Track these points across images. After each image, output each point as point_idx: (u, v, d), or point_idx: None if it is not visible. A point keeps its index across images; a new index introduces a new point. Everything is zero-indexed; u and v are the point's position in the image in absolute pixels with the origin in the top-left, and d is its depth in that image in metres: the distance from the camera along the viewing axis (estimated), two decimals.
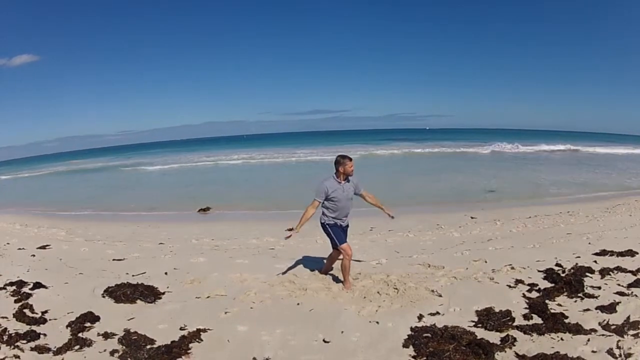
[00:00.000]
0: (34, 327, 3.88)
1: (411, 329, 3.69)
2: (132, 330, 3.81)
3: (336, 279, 5.09)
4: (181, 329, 3.89)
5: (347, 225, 4.88)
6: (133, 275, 5.51)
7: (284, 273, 5.38)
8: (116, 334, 3.76)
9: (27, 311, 4.24)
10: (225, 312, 4.24)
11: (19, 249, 7.52)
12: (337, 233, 4.76)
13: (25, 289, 4.87)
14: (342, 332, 3.76)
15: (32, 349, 3.50)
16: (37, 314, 4.21)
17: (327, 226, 4.78)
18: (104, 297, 4.68)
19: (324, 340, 3.63)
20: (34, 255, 6.91)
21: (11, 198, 19.71)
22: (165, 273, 5.62)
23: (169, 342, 3.60)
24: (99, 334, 3.77)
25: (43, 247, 7.65)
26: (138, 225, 10.95)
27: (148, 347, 3.56)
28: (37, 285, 4.98)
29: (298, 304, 4.41)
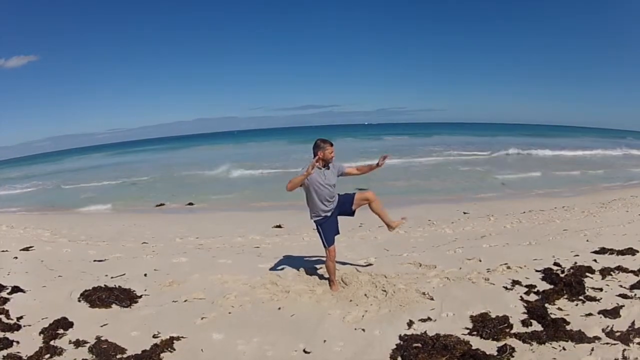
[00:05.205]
0: (7, 334, 3.63)
1: (400, 337, 3.39)
2: (103, 338, 3.55)
3: (321, 280, 4.80)
4: (154, 336, 3.62)
5: (335, 212, 4.54)
6: (112, 278, 5.21)
7: (267, 274, 5.08)
8: (87, 342, 3.50)
9: (2, 317, 3.97)
10: (202, 318, 3.94)
11: (3, 251, 7.15)
12: (327, 231, 4.46)
13: (4, 294, 4.58)
14: (325, 341, 3.46)
15: (4, 358, 3.27)
16: (12, 320, 3.94)
17: (317, 225, 4.50)
18: (79, 301, 4.39)
19: (304, 351, 3.33)
20: (16, 258, 6.56)
21: None
22: (145, 275, 5.31)
23: (140, 352, 3.35)
24: (70, 342, 3.52)
25: (26, 249, 7.31)
26: (124, 224, 10.72)
27: (118, 356, 3.32)
28: (15, 290, 4.69)
29: (279, 308, 4.11)
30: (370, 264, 5.46)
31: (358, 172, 4.68)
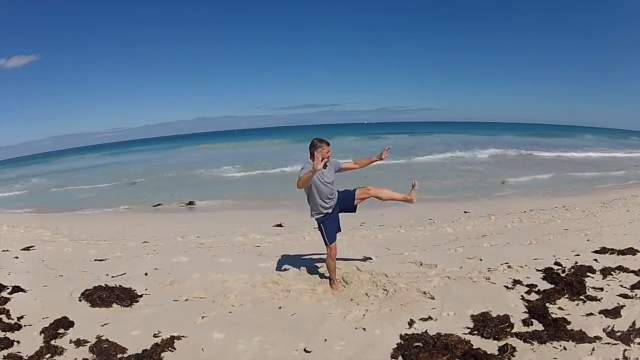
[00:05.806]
0: (8, 334, 3.63)
1: (401, 336, 3.39)
2: (104, 338, 3.55)
3: (322, 279, 4.79)
4: (155, 335, 3.62)
5: (336, 208, 4.53)
6: (112, 277, 5.21)
7: (267, 273, 5.08)
8: (88, 341, 3.51)
9: (3, 317, 3.97)
10: (203, 317, 3.94)
11: (4, 251, 7.15)
12: (328, 229, 4.46)
13: (4, 294, 4.58)
14: (326, 340, 3.45)
15: (4, 358, 3.26)
16: (12, 319, 3.94)
17: (319, 223, 4.50)
18: (80, 300, 4.39)
19: (305, 350, 3.33)
20: (17, 257, 6.57)
21: None
22: (145, 274, 5.31)
23: (140, 351, 3.35)
24: (71, 341, 3.52)
25: (27, 249, 7.30)
26: (124, 223, 10.68)
27: (119, 356, 3.33)
28: (16, 289, 4.69)
29: (280, 307, 4.11)
30: (370, 258, 5.46)
31: (356, 166, 4.66)
